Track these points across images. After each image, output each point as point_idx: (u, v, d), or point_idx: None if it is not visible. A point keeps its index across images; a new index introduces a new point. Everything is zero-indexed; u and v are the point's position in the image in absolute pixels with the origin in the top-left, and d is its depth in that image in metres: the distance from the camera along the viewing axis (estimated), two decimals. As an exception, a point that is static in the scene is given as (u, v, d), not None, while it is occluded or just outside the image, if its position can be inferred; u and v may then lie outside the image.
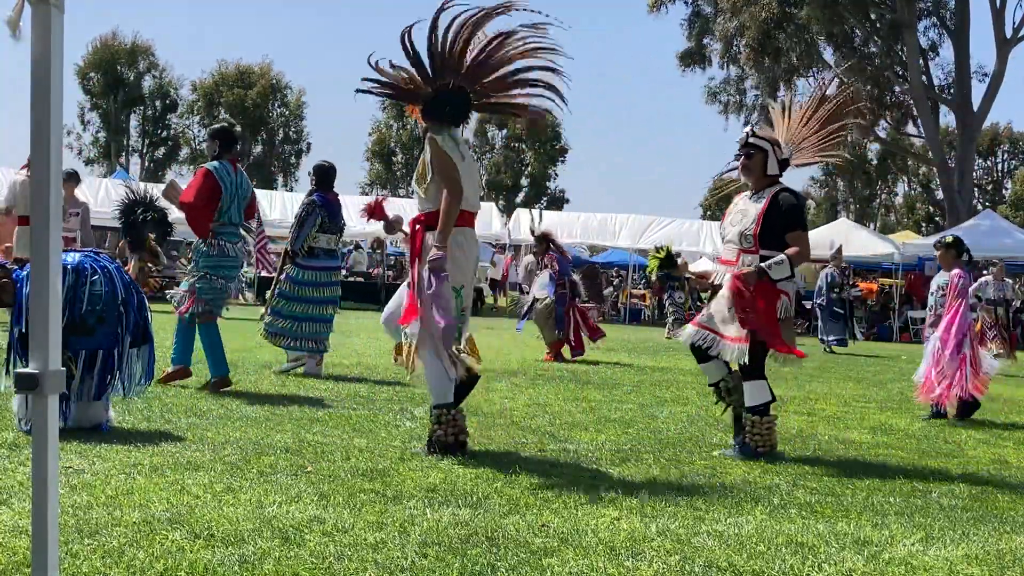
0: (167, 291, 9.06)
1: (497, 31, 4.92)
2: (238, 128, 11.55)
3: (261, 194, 21.95)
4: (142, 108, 57.64)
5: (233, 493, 3.80)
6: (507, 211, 37.81)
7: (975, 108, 29.69)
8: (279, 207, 23.22)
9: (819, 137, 5.78)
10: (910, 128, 36.79)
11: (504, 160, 60.58)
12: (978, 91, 30.37)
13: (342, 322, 11.14)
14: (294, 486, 3.98)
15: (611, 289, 27.62)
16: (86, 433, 4.82)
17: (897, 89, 33.29)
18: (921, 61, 30.87)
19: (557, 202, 59.28)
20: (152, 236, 11.60)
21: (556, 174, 62.02)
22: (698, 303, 16.32)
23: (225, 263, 6.96)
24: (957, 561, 3.42)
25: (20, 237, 10.00)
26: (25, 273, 4.85)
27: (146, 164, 57.09)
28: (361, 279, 24.38)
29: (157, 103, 57.99)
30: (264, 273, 16.99)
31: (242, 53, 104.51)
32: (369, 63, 4.99)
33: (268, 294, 8.99)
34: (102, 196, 21.65)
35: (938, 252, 8.32)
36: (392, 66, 5.03)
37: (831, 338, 16.41)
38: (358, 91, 5.20)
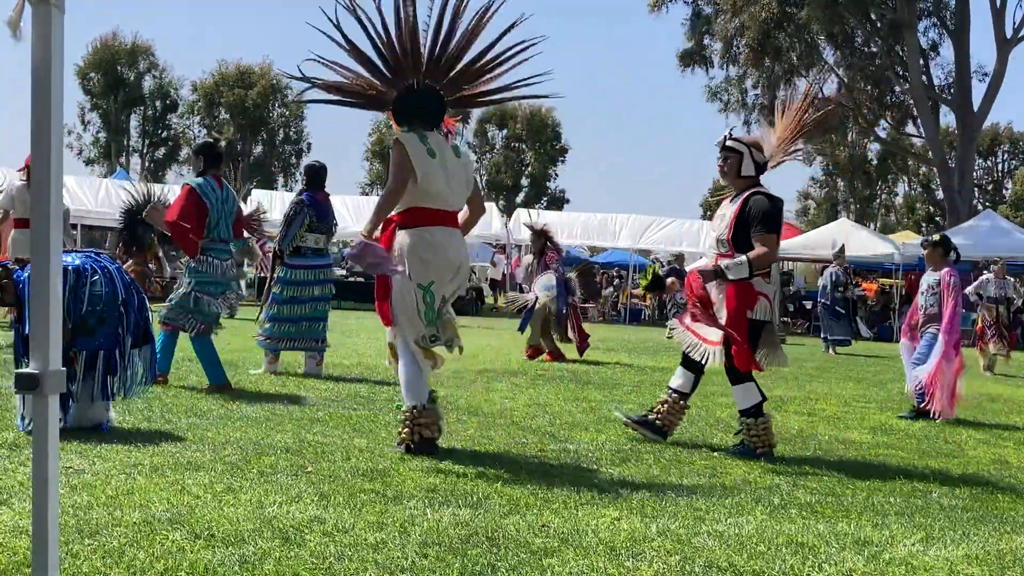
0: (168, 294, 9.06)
1: (439, 20, 4.85)
2: (223, 143, 11.58)
3: (261, 194, 21.96)
4: (142, 108, 57.67)
5: (233, 493, 3.80)
6: (507, 211, 37.79)
7: (975, 108, 29.68)
8: (279, 207, 23.16)
9: (790, 137, 5.78)
10: (910, 128, 36.82)
11: (504, 160, 60.58)
12: (978, 91, 30.42)
13: (342, 322, 11.15)
14: (294, 486, 3.98)
15: (611, 289, 27.63)
16: (86, 433, 4.82)
17: (897, 89, 33.29)
18: (921, 61, 30.86)
19: (557, 202, 59.28)
20: (155, 239, 11.62)
21: (556, 174, 62.09)
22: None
23: (212, 280, 6.91)
24: (957, 561, 3.42)
25: (17, 240, 10.00)
26: (27, 274, 4.85)
27: (146, 164, 57.13)
28: (361, 279, 24.34)
29: (157, 103, 58.02)
30: (264, 274, 17.00)
31: (242, 53, 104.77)
32: (329, 64, 4.95)
33: (263, 299, 8.98)
34: (102, 196, 21.67)
35: (925, 251, 8.27)
36: (342, 70, 5.00)
37: (833, 338, 16.39)
38: (321, 100, 5.22)
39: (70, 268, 4.86)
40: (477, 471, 4.50)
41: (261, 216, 8.28)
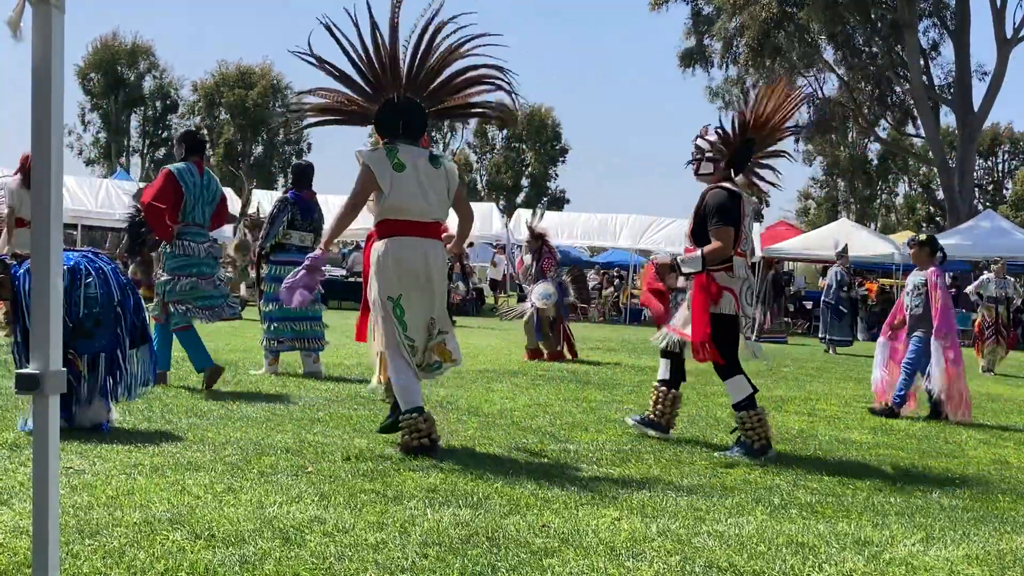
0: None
1: (420, 35, 4.95)
2: (204, 132, 11.61)
3: (261, 194, 21.91)
4: (143, 108, 57.70)
5: (234, 493, 3.80)
6: (508, 211, 37.79)
7: (975, 108, 29.67)
8: (279, 207, 23.16)
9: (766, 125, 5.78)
10: (910, 128, 36.82)
11: (504, 160, 60.59)
12: (978, 91, 30.40)
13: (343, 322, 11.14)
14: (295, 486, 3.98)
15: (612, 289, 27.62)
16: (87, 433, 4.82)
17: (897, 89, 33.29)
18: (921, 61, 30.86)
19: (557, 202, 59.27)
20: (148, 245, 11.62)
21: (556, 174, 62.10)
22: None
23: (191, 262, 6.95)
24: (958, 561, 3.42)
25: (18, 238, 9.98)
26: (23, 270, 4.85)
27: (147, 165, 57.10)
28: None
29: (157, 103, 58.06)
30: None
31: (242, 53, 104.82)
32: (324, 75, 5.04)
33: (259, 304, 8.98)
34: (102, 197, 21.67)
35: (912, 250, 8.21)
36: (326, 93, 5.10)
37: (834, 338, 16.38)
38: (307, 124, 5.42)
39: (64, 268, 4.85)
40: (477, 471, 4.50)
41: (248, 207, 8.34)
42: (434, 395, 7.11)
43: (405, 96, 5.05)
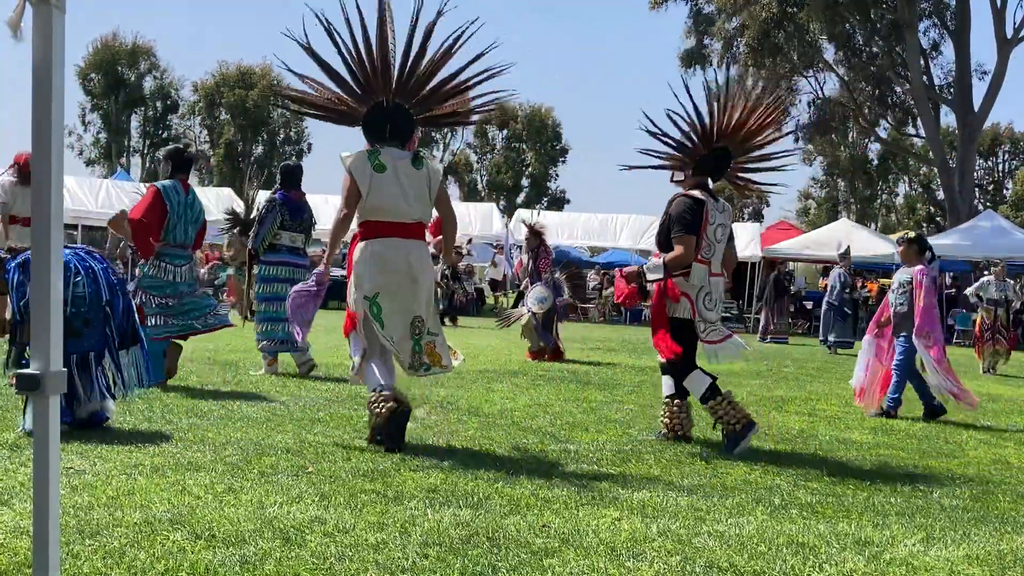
0: None
1: (409, 38, 4.97)
2: (192, 149, 11.62)
3: (261, 195, 21.89)
4: (143, 109, 57.72)
5: (234, 494, 3.80)
6: (508, 211, 37.80)
7: (976, 108, 29.67)
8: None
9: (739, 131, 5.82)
10: (910, 128, 36.82)
11: (505, 160, 60.57)
12: (979, 91, 30.41)
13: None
14: (295, 487, 3.98)
15: (612, 289, 27.62)
16: (87, 433, 4.82)
17: (898, 89, 33.29)
18: (922, 61, 30.86)
19: (557, 202, 59.28)
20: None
21: (556, 174, 62.08)
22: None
23: (162, 286, 6.91)
24: (958, 561, 3.42)
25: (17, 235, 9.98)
26: (16, 262, 4.85)
27: (147, 165, 57.08)
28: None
29: (158, 104, 58.07)
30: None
31: (242, 54, 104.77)
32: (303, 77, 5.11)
33: (253, 307, 8.99)
34: (103, 197, 21.68)
35: (900, 248, 8.15)
36: (315, 86, 5.15)
37: (836, 339, 16.38)
38: (298, 112, 5.53)
39: None
40: (478, 471, 4.50)
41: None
42: (434, 395, 7.12)
43: (394, 101, 5.08)
